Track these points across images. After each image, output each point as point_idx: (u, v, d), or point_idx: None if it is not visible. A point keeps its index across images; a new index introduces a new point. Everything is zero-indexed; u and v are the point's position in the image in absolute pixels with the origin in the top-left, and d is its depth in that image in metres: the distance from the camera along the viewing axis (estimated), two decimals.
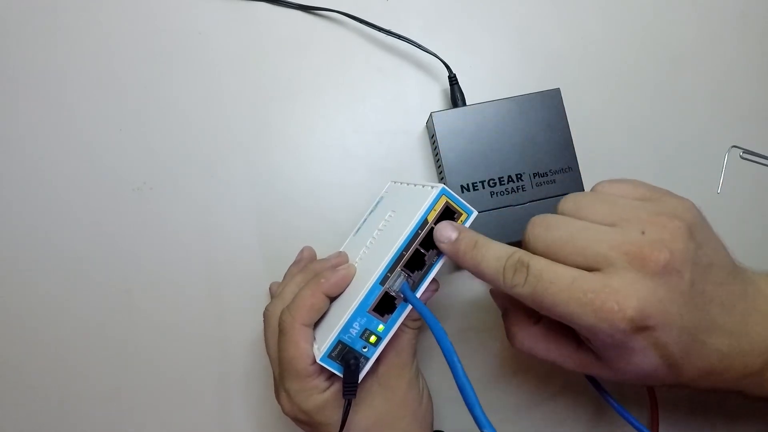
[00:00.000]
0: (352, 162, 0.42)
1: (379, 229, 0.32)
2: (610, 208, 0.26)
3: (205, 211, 0.41)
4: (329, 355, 0.28)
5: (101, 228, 0.40)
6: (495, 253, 0.27)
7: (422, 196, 0.29)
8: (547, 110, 0.38)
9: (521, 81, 0.43)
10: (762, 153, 0.43)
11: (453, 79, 0.40)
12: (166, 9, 0.43)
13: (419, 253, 0.29)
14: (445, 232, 0.28)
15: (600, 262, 0.24)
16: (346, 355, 0.28)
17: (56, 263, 0.40)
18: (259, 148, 0.42)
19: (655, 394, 0.37)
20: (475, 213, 0.29)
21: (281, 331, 0.30)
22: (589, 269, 0.24)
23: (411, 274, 0.29)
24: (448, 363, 0.25)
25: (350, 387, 0.28)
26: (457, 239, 0.28)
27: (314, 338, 0.30)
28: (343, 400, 0.28)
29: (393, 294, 0.28)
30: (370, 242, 0.32)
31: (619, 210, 0.25)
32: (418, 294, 0.29)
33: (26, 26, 0.42)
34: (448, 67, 0.40)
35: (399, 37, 0.41)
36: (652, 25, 0.44)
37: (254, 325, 0.39)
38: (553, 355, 0.29)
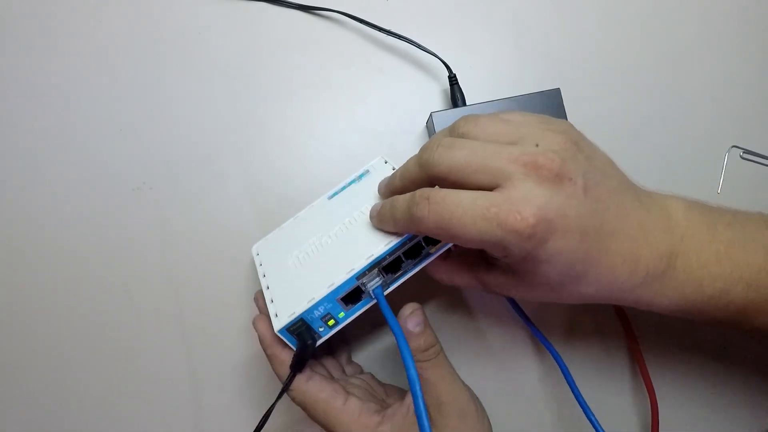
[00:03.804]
0: (352, 162, 0.41)
1: (361, 212, 0.33)
2: (506, 127, 0.27)
3: (204, 211, 0.41)
4: (288, 329, 0.29)
5: (101, 228, 0.40)
6: (403, 198, 0.28)
7: None
8: (547, 110, 0.38)
9: (521, 81, 0.43)
10: (762, 153, 0.43)
11: (453, 79, 0.40)
12: (166, 8, 0.43)
13: (399, 259, 0.30)
14: (373, 210, 0.31)
15: (499, 177, 0.25)
16: (303, 333, 0.29)
17: (55, 263, 0.40)
18: (259, 147, 0.42)
19: (624, 313, 0.38)
20: None
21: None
22: (491, 188, 0.25)
23: (385, 276, 0.30)
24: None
25: (301, 362, 0.30)
26: (377, 209, 0.30)
27: (271, 300, 0.31)
28: (298, 378, 0.31)
29: (363, 289, 0.30)
30: (349, 221, 0.33)
31: (514, 128, 0.27)
32: (385, 292, 0.30)
33: (26, 26, 0.42)
34: (448, 67, 0.40)
35: (399, 37, 0.41)
36: (652, 24, 0.44)
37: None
38: (470, 282, 0.31)
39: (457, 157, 0.26)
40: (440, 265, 0.32)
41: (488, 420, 0.32)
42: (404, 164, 0.30)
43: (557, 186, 0.24)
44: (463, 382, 0.32)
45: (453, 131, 0.28)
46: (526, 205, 0.24)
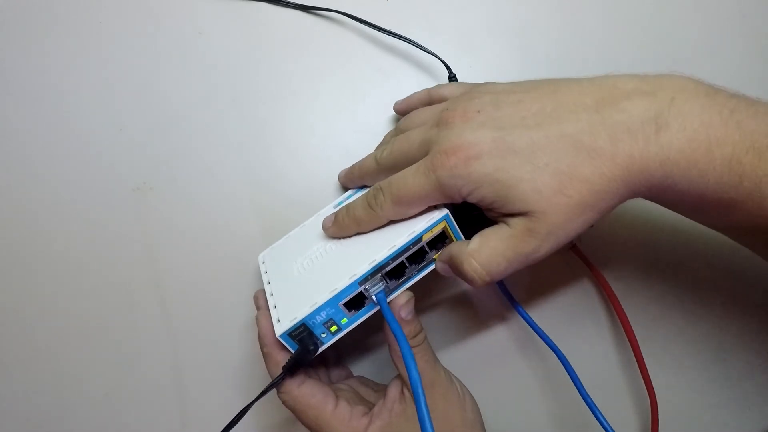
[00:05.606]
0: (352, 161, 0.41)
1: None
2: (432, 109, 0.33)
3: (205, 211, 0.41)
4: (290, 334, 0.29)
5: (101, 228, 0.40)
6: (359, 199, 0.32)
7: (425, 214, 0.30)
8: None
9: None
10: None
11: (453, 79, 0.40)
12: (166, 9, 0.43)
13: (402, 265, 0.30)
14: (326, 221, 0.33)
15: (427, 145, 0.29)
16: (305, 339, 0.29)
17: (54, 263, 0.40)
18: (259, 148, 0.42)
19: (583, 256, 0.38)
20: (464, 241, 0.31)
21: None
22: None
23: (388, 282, 0.30)
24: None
25: (296, 366, 0.30)
26: (330, 219, 0.33)
27: (274, 306, 0.31)
28: (288, 378, 0.31)
29: (366, 294, 0.29)
30: None
31: (437, 107, 0.32)
32: (388, 299, 0.30)
33: (26, 26, 0.42)
34: (448, 67, 0.40)
35: (399, 37, 0.41)
36: (653, 25, 0.44)
37: (255, 325, 0.39)
38: (502, 251, 0.27)
39: (398, 147, 0.31)
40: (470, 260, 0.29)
41: (474, 402, 0.33)
42: (362, 160, 0.36)
43: (466, 122, 0.28)
44: (443, 367, 0.33)
45: (396, 130, 0.34)
46: (444, 146, 0.27)
